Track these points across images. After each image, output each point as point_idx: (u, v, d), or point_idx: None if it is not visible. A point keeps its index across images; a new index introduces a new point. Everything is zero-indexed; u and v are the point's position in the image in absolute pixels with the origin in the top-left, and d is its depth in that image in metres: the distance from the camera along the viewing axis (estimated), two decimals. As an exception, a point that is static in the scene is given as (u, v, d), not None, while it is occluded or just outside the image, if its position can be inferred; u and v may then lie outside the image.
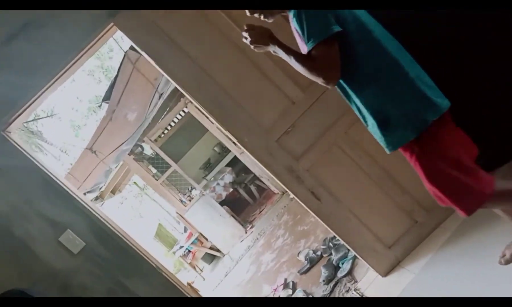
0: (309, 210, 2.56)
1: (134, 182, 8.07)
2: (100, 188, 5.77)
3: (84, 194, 4.56)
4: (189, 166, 7.49)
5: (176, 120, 7.52)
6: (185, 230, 7.04)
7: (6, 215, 2.41)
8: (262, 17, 1.80)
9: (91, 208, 2.53)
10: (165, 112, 6.19)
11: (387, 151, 1.79)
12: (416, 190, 2.43)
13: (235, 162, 7.00)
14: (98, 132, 4.55)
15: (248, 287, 4.24)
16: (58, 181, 2.50)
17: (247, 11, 1.79)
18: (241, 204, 7.18)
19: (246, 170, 6.77)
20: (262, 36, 1.78)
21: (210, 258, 6.54)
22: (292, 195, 2.67)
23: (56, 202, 2.47)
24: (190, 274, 6.57)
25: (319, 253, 3.40)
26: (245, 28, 1.79)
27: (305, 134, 2.50)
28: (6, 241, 2.40)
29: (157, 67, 2.47)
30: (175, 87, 2.56)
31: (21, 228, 2.42)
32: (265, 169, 2.54)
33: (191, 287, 3.07)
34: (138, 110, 4.70)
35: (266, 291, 3.73)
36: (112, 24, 2.38)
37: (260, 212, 6.37)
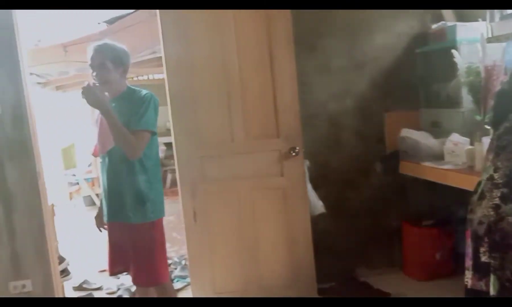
0: (184, 222, 2.73)
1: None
2: (48, 78, 5.71)
3: (31, 74, 4.54)
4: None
5: (146, 77, 7.60)
6: (89, 165, 6.99)
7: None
8: None
9: (26, 89, 2.59)
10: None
11: None
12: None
13: (167, 146, 7.06)
14: (81, 39, 4.59)
15: (97, 246, 4.31)
16: (17, 47, 2.54)
17: None
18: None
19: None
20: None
21: (90, 202, 6.51)
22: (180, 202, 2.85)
23: (3, 62, 2.51)
24: (58, 198, 6.49)
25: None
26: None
27: (223, 168, 2.71)
28: None
29: (161, 34, 2.64)
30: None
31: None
32: (177, 169, 2.73)
33: (52, 209, 3.14)
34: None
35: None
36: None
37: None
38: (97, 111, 2.14)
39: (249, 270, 2.75)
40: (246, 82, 2.70)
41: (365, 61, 3.06)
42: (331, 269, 2.90)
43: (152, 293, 2.23)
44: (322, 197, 2.85)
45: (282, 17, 2.63)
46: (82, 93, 1.94)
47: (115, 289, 3.29)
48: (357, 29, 3.03)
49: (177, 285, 3.20)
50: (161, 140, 6.70)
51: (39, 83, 5.91)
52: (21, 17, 2.66)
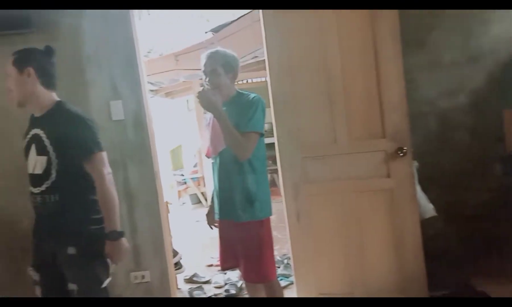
0: (287, 223, 2.77)
1: (187, 100, 8.46)
2: (160, 86, 6.18)
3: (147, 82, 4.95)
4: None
5: (250, 80, 7.84)
6: (194, 166, 7.42)
7: (88, 57, 2.73)
8: None
9: (145, 97, 2.85)
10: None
11: None
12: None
13: (270, 147, 7.19)
14: (191, 48, 4.90)
15: (203, 242, 4.56)
16: (138, 59, 2.80)
17: None
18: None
19: (275, 161, 7.00)
20: None
21: (196, 200, 6.91)
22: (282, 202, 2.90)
23: (127, 73, 2.77)
24: (171, 197, 6.97)
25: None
26: None
27: (326, 170, 2.69)
28: (77, 75, 2.77)
29: (264, 39, 2.70)
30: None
31: (91, 73, 2.75)
32: (279, 170, 2.79)
33: (167, 205, 3.40)
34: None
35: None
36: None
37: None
38: (209, 115, 2.26)
39: (354, 273, 2.70)
40: (349, 82, 2.65)
41: (480, 54, 2.82)
42: (443, 277, 2.73)
43: (261, 289, 2.30)
44: (432, 200, 2.68)
45: (388, 14, 2.54)
46: (197, 97, 2.07)
47: (222, 283, 3.44)
48: (470, 19, 2.81)
49: (280, 283, 3.23)
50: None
51: (151, 90, 6.42)
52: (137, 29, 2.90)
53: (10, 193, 2.67)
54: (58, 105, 2.02)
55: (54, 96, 2.05)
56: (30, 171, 1.99)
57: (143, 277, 2.84)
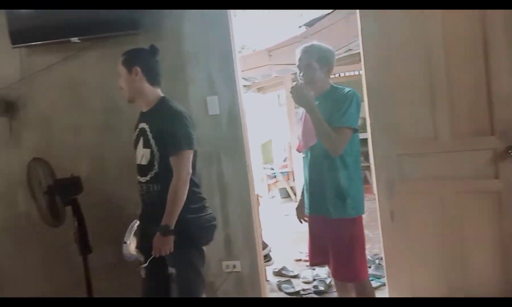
0: (379, 222, 2.69)
1: (278, 95, 8.54)
2: (253, 81, 6.31)
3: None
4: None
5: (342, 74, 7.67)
6: (284, 160, 7.48)
7: (188, 55, 2.86)
8: None
9: (239, 92, 2.91)
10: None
11: None
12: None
13: (362, 143, 6.99)
14: (284, 43, 4.93)
15: (292, 236, 4.58)
16: (233, 56, 2.87)
17: None
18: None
19: (367, 157, 6.81)
20: None
21: (285, 194, 6.97)
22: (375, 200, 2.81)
23: (223, 70, 2.84)
24: (261, 190, 7.11)
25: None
26: None
27: (424, 168, 2.55)
28: (178, 72, 2.93)
29: (360, 30, 2.62)
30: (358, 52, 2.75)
31: (190, 70, 2.87)
32: (373, 167, 2.69)
33: (257, 199, 3.46)
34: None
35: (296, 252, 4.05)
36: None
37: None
38: (301, 109, 2.25)
39: (454, 277, 2.53)
40: (453, 74, 2.46)
41: None
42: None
43: (351, 288, 2.25)
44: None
45: (501, -2, 2.31)
46: (291, 92, 2.07)
47: (310, 279, 3.43)
48: None
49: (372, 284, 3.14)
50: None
51: (244, 86, 6.58)
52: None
53: (120, 182, 2.91)
54: (162, 101, 2.16)
55: (159, 92, 2.20)
56: (138, 162, 2.16)
57: (234, 266, 2.93)
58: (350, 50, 5.21)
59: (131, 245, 2.27)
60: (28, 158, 2.75)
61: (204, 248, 2.19)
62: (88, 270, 2.70)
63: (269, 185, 7.04)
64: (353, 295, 2.26)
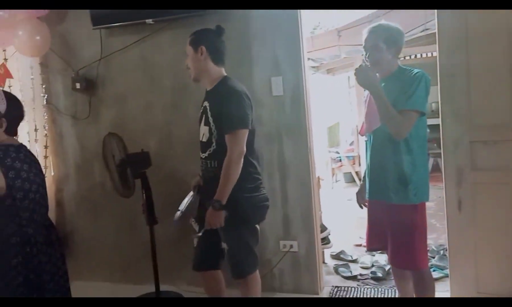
0: (446, 211, 2.58)
1: (348, 77, 8.34)
2: (321, 63, 6.21)
3: (308, 59, 5.04)
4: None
5: (413, 56, 7.29)
6: (351, 144, 7.33)
7: (254, 35, 2.87)
8: None
9: (304, 73, 2.88)
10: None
11: None
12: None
13: (435, 129, 6.65)
14: (355, 23, 4.79)
15: (353, 221, 4.51)
16: (300, 36, 2.83)
17: None
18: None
19: (440, 144, 6.47)
20: None
21: (350, 179, 6.85)
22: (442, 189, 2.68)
23: (289, 50, 2.83)
24: (323, 172, 7.04)
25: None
26: None
27: (500, 157, 2.42)
28: (244, 52, 2.95)
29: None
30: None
31: (256, 50, 2.89)
32: (442, 153, 2.58)
33: (319, 181, 3.45)
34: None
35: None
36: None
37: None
38: (366, 92, 2.20)
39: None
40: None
41: None
42: None
43: (408, 277, 2.19)
44: None
45: None
46: (355, 73, 2.03)
47: (369, 264, 3.38)
48: None
49: (433, 274, 3.00)
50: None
51: (312, 67, 6.50)
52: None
53: (186, 158, 3.03)
54: (223, 80, 2.22)
55: (223, 72, 2.26)
56: (200, 139, 2.25)
57: (291, 246, 2.96)
58: (427, 29, 4.94)
59: (182, 213, 2.43)
60: (104, 133, 2.98)
61: (258, 226, 2.24)
62: (154, 239, 2.90)
63: (333, 168, 6.95)
64: (410, 284, 2.20)
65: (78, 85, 3.20)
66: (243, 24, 2.90)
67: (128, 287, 3.18)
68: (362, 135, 2.33)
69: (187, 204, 2.45)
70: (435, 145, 4.74)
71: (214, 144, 2.17)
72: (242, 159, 2.08)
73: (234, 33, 2.89)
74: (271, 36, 2.86)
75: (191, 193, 2.46)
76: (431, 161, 6.83)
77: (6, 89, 3.07)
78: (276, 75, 2.87)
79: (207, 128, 2.19)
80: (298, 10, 2.81)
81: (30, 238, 1.77)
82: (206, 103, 2.23)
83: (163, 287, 2.97)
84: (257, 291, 2.26)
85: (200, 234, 2.26)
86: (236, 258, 2.20)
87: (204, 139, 2.21)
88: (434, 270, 3.12)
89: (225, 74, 2.27)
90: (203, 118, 2.23)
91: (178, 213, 2.43)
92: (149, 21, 2.94)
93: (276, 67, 2.87)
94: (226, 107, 2.11)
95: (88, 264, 3.42)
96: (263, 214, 2.26)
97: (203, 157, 2.24)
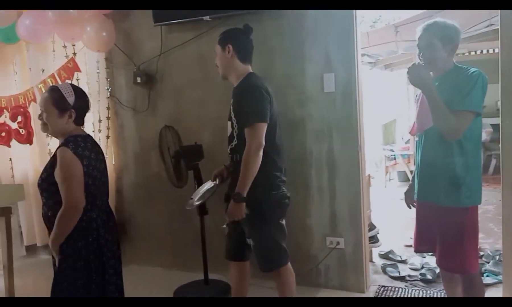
0: (502, 214, 2.49)
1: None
2: (377, 58, 6.07)
3: (362, 55, 4.95)
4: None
5: (479, 51, 6.93)
6: (406, 142, 7.12)
7: (307, 32, 2.89)
8: None
9: (357, 70, 2.84)
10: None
11: None
12: None
13: (495, 128, 6.31)
14: (413, 18, 4.66)
15: (404, 221, 4.40)
16: (354, 32, 2.81)
17: None
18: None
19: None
20: None
21: (404, 177, 6.65)
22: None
23: (342, 46, 2.83)
24: (375, 170, 6.90)
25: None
26: None
27: None
28: (297, 49, 2.99)
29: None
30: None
31: (308, 47, 2.91)
32: (501, 154, 2.48)
33: (369, 179, 3.41)
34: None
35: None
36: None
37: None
38: (418, 91, 2.16)
39: None
40: None
41: None
42: None
43: (457, 280, 2.14)
44: None
45: None
46: (408, 72, 2.00)
47: (419, 266, 3.30)
48: None
49: (487, 280, 2.92)
50: (488, 121, 6.12)
51: (370, 63, 6.37)
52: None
53: (212, 151, 3.08)
54: (247, 77, 2.29)
55: (249, 69, 2.34)
56: (228, 133, 2.34)
57: (338, 243, 2.97)
58: (491, 25, 4.69)
59: (195, 201, 2.61)
60: (161, 125, 3.14)
61: (283, 222, 2.28)
62: (204, 229, 3.02)
63: (387, 167, 6.78)
64: (460, 288, 2.15)
65: (139, 79, 3.39)
66: (296, 21, 2.93)
67: (179, 273, 3.34)
68: (413, 135, 2.29)
69: (203, 192, 2.59)
70: (499, 146, 4.49)
71: (235, 138, 2.26)
72: (261, 152, 2.14)
73: (287, 29, 2.93)
74: (324, 32, 2.87)
75: (209, 181, 2.56)
76: (493, 162, 6.48)
77: (74, 81, 3.32)
78: (329, 71, 2.88)
79: (229, 123, 2.29)
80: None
81: (92, 222, 1.91)
82: (232, 100, 2.31)
83: (212, 276, 3.09)
84: (290, 282, 2.30)
85: (224, 226, 2.36)
86: (262, 253, 2.27)
87: (229, 134, 2.31)
88: (487, 276, 3.00)
89: (251, 70, 2.33)
90: (229, 113, 2.31)
91: (190, 200, 2.57)
92: (207, 18, 3.06)
93: (329, 63, 2.88)
94: (244, 102, 2.19)
95: (142, 249, 3.63)
96: (282, 211, 2.30)
97: (229, 151, 2.33)
